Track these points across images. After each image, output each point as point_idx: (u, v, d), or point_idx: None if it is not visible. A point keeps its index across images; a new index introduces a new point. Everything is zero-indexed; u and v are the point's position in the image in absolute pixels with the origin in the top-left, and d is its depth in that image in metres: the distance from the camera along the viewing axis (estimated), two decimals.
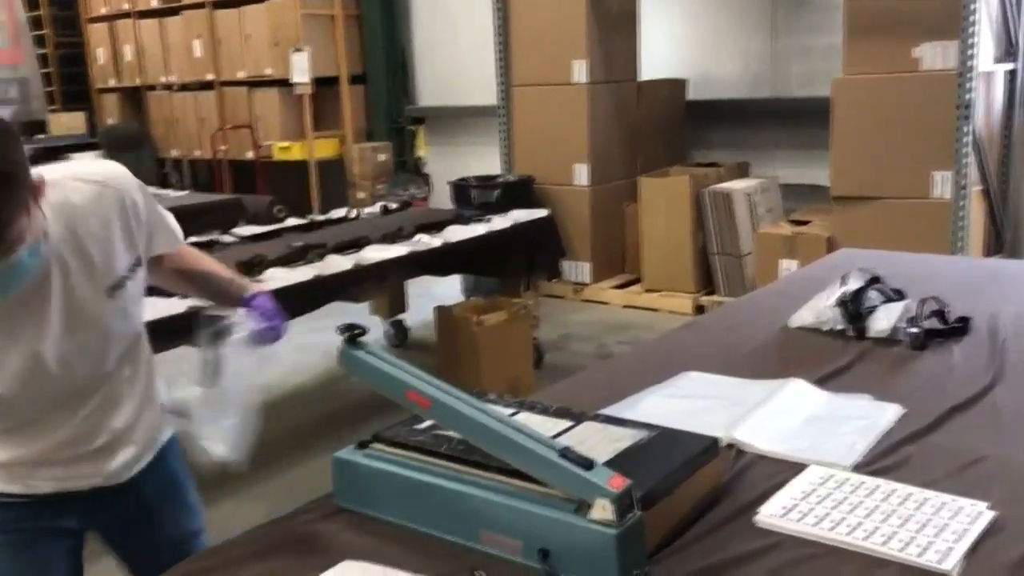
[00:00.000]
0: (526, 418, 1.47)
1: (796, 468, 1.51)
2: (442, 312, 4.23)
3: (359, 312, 5.21)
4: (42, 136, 8.67)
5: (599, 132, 5.85)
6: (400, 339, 5.13)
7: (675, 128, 6.31)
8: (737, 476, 1.49)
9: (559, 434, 1.44)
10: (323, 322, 4.17)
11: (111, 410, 1.52)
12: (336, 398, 4.36)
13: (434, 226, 4.17)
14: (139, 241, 1.49)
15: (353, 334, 1.42)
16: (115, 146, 7.52)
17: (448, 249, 4.00)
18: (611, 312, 5.71)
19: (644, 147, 6.09)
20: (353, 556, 1.31)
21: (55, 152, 6.91)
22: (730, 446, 1.56)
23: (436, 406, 1.34)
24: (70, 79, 9.35)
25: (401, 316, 5.14)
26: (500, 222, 4.34)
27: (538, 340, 4.54)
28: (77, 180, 1.41)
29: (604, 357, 4.75)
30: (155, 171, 8.12)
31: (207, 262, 1.76)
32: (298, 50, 7.06)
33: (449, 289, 5.41)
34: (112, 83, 8.96)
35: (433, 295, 5.11)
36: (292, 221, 4.54)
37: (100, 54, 8.99)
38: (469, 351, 3.95)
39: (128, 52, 8.65)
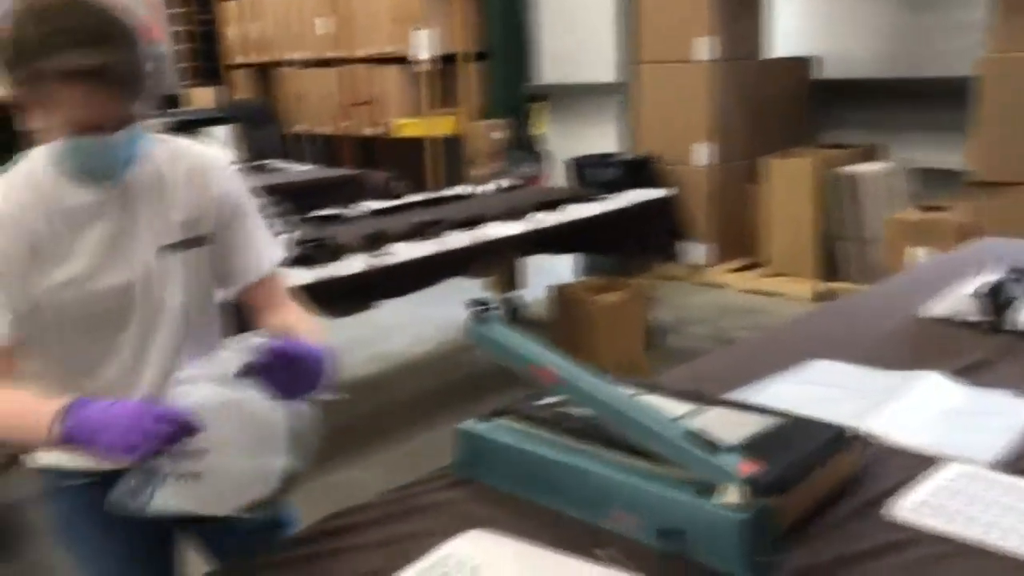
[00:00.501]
0: (650, 399, 1.46)
1: (930, 463, 1.46)
2: (557, 290, 4.23)
3: (474, 288, 5.29)
4: (175, 110, 9.06)
5: (722, 111, 5.72)
6: (512, 316, 5.16)
7: (801, 108, 6.11)
8: (868, 468, 1.45)
9: (684, 416, 1.42)
10: (440, 297, 4.27)
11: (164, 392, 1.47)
12: (453, 370, 4.43)
13: (552, 204, 4.17)
14: (212, 229, 1.49)
15: (482, 309, 1.44)
16: (243, 121, 7.79)
17: (565, 227, 4.00)
18: (729, 296, 5.60)
19: (768, 127, 5.93)
20: (478, 525, 1.34)
21: (188, 126, 7.22)
22: (861, 437, 1.51)
23: (563, 383, 1.35)
24: (203, 56, 9.74)
25: (515, 293, 5.18)
26: (618, 201, 4.31)
27: (654, 322, 4.50)
28: (190, 145, 1.50)
29: (721, 341, 4.67)
30: (280, 146, 8.38)
31: (299, 321, 1.53)
32: (420, 27, 7.15)
33: (563, 268, 5.41)
34: (241, 60, 9.28)
35: (547, 273, 5.12)
36: (411, 197, 4.61)
37: (231, 32, 9.32)
38: (584, 330, 3.95)
39: (256, 30, 8.93)
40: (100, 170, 1.34)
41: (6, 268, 1.32)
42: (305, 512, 1.54)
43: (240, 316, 1.60)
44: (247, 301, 1.57)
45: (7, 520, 3.22)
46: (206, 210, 1.47)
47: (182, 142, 1.51)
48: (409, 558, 1.26)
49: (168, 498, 1.21)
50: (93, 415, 1.18)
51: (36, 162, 1.38)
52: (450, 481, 1.49)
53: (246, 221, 1.53)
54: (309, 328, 1.49)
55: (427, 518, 1.38)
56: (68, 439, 1.19)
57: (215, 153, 1.53)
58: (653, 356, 4.27)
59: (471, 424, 1.50)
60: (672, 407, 1.44)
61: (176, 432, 1.18)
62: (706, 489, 1.21)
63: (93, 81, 1.23)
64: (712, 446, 1.21)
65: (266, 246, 1.57)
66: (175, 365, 1.42)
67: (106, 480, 1.36)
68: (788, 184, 5.45)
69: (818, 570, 1.22)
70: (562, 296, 4.19)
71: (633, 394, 1.37)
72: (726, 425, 1.39)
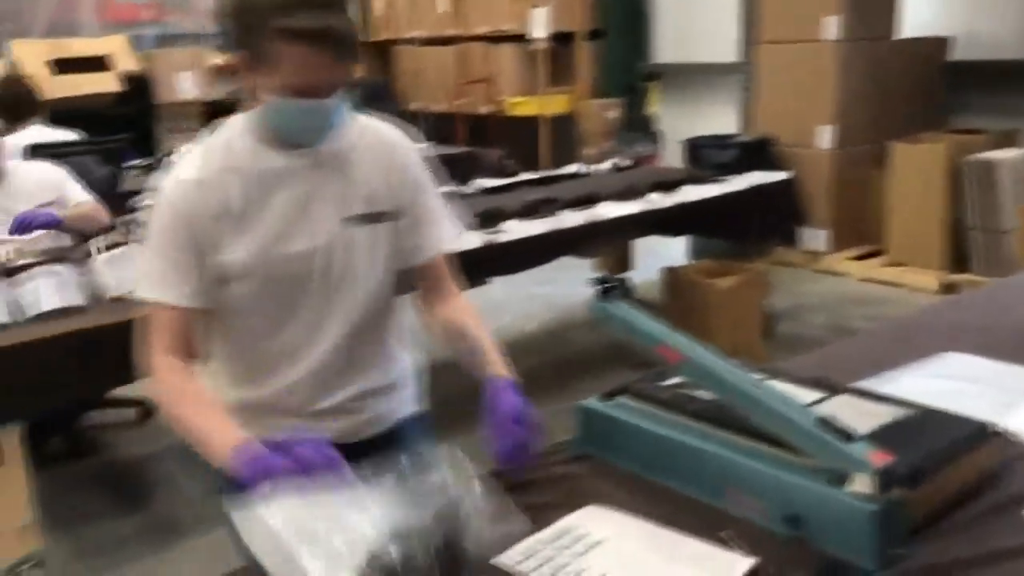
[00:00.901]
0: (777, 385, 1.43)
1: None
2: (671, 273, 4.19)
3: (584, 268, 5.28)
4: None
5: (848, 93, 5.53)
6: (626, 297, 5.13)
7: (932, 90, 5.85)
8: (1007, 467, 1.39)
9: (812, 404, 1.39)
10: (550, 275, 4.28)
11: (324, 372, 1.50)
12: (563, 349, 4.45)
13: (667, 185, 4.12)
14: (394, 206, 1.50)
15: (607, 286, 1.44)
16: (363, 99, 7.94)
17: (681, 209, 3.95)
18: (848, 284, 5.44)
19: (896, 110, 5.70)
20: (595, 501, 1.34)
21: None
22: (1000, 433, 1.45)
23: (689, 363, 1.34)
24: None
25: (626, 274, 5.14)
26: (737, 183, 4.22)
27: (769, 308, 4.40)
28: (375, 121, 1.55)
29: (839, 331, 4.54)
30: (397, 124, 8.50)
31: (469, 316, 1.55)
32: (537, 5, 7.13)
33: (675, 250, 5.35)
34: (361, 38, 9.46)
35: (658, 255, 5.07)
36: (525, 175, 4.63)
37: (350, 10, 9.50)
38: (698, 315, 3.90)
39: (378, 7, 9.08)
40: (308, 133, 1.38)
41: (198, 232, 1.37)
42: None
43: None
44: (418, 282, 1.57)
45: (140, 472, 3.41)
46: (389, 186, 1.49)
47: (366, 118, 1.54)
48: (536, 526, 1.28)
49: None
50: (262, 465, 1.19)
51: (234, 129, 1.44)
52: (567, 456, 1.50)
53: (427, 199, 1.55)
54: (483, 332, 1.50)
55: (544, 491, 1.40)
56: (237, 476, 1.21)
57: (398, 131, 1.57)
58: (768, 344, 4.19)
59: (592, 402, 1.51)
60: (799, 393, 1.42)
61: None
62: (836, 478, 1.19)
63: (318, 43, 1.27)
64: (844, 434, 1.19)
65: (444, 226, 1.58)
66: (351, 338, 1.48)
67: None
68: (916, 170, 5.23)
69: (949, 567, 1.18)
70: (675, 279, 4.14)
71: (760, 379, 1.34)
72: (856, 414, 1.36)
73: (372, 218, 1.47)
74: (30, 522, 2.42)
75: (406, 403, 1.64)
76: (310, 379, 1.49)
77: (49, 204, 3.45)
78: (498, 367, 1.43)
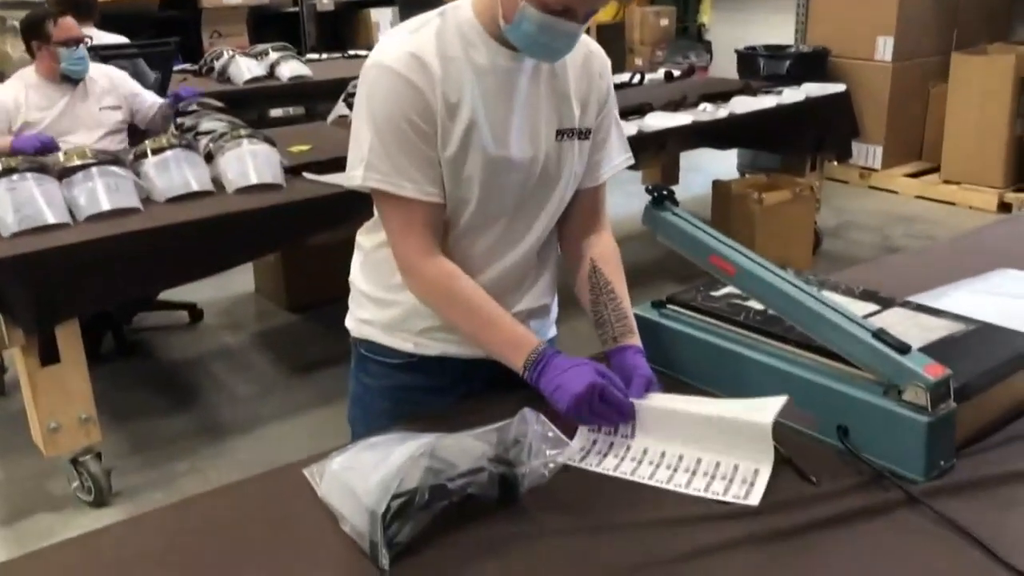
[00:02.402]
0: (831, 297, 1.41)
1: None
2: (719, 187, 4.13)
3: (630, 181, 5.22)
4: None
5: (908, 3, 5.31)
6: None
7: (1000, 1, 5.60)
8: None
9: (866, 316, 1.38)
10: None
11: (507, 280, 1.44)
12: None
13: (720, 96, 4.03)
14: (588, 123, 1.43)
15: (661, 194, 1.42)
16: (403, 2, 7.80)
17: (733, 120, 3.86)
18: (900, 202, 5.32)
19: (960, 21, 5.48)
20: None
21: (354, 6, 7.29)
22: None
23: (741, 273, 1.32)
24: None
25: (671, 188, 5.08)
26: (791, 95, 4.11)
27: (818, 225, 4.34)
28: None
29: (889, 250, 4.47)
30: None
31: (615, 267, 1.48)
32: None
33: (722, 165, 5.26)
34: None
35: (704, 170, 5.00)
36: None
37: None
38: (745, 230, 3.85)
39: None
40: (553, 53, 1.31)
41: (430, 116, 1.28)
42: None
43: None
44: (573, 206, 1.48)
45: (189, 373, 3.50)
46: (594, 101, 1.43)
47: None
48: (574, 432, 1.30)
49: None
50: (554, 375, 1.25)
51: (461, 16, 1.32)
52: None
53: (611, 119, 1.48)
54: (625, 289, 1.46)
55: None
56: (535, 386, 1.26)
57: (596, 44, 1.48)
58: (816, 261, 4.14)
59: (644, 309, 1.50)
60: (852, 306, 1.40)
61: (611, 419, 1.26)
62: (889, 389, 1.18)
63: None
64: (900, 346, 1.17)
65: (620, 149, 1.51)
66: (532, 256, 1.45)
67: (414, 366, 1.44)
68: (978, 83, 5.05)
69: (996, 481, 1.17)
70: (724, 193, 4.08)
71: (814, 290, 1.33)
72: (910, 327, 1.34)
73: (581, 134, 1.42)
74: (89, 416, 2.51)
75: (550, 327, 1.59)
76: (493, 289, 1.39)
77: (116, 107, 3.52)
78: (637, 336, 1.39)
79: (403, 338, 1.45)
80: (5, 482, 2.79)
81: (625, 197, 5.16)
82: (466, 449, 1.10)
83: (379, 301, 1.46)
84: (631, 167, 1.59)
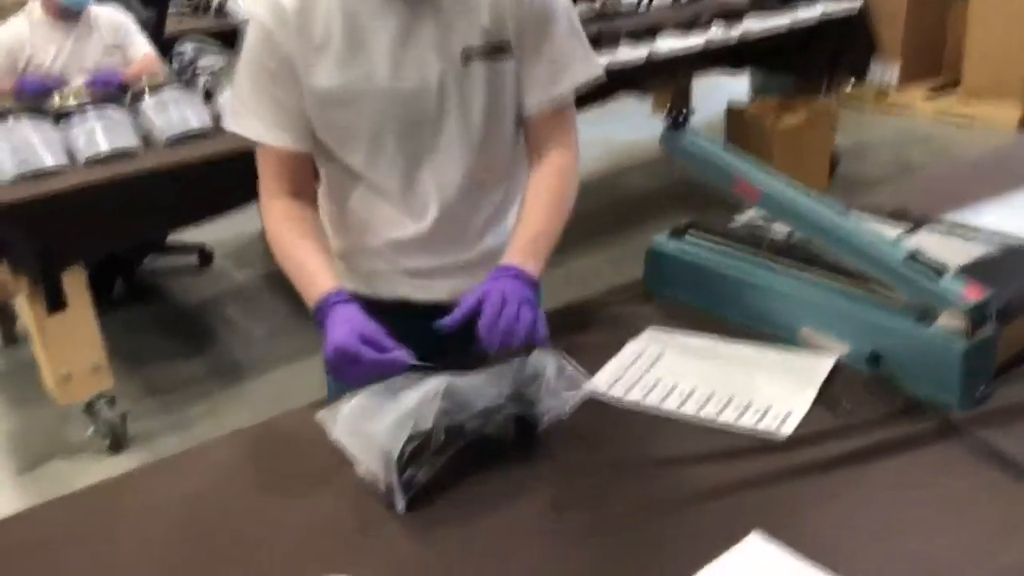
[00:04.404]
0: (860, 218, 1.35)
1: None
2: (733, 111, 4.02)
3: (641, 108, 5.11)
4: None
5: None
6: None
7: None
8: None
9: (898, 238, 1.32)
10: (607, 115, 4.14)
11: (453, 220, 1.31)
12: (620, 191, 4.36)
13: (732, 15, 3.89)
14: (504, 36, 1.24)
15: (679, 118, 1.35)
16: None
17: (746, 41, 3.73)
18: (917, 122, 5.19)
19: None
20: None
21: None
22: None
23: (768, 197, 1.26)
24: None
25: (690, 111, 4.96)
26: (806, 13, 3.96)
27: (835, 147, 4.23)
28: None
29: (908, 171, 4.37)
30: None
31: (541, 192, 1.28)
32: None
33: (736, 90, 5.12)
34: None
35: (716, 95, 4.87)
36: (582, 6, 4.40)
37: None
38: (761, 154, 3.72)
39: None
40: None
41: (296, 60, 1.21)
42: None
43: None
44: (526, 131, 1.32)
45: (202, 315, 3.48)
46: (511, 11, 1.24)
47: None
48: (598, 362, 1.25)
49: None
50: (329, 323, 1.13)
51: None
52: (634, 294, 1.46)
53: (553, 29, 1.26)
54: (539, 214, 1.25)
55: (607, 328, 1.36)
56: (317, 323, 1.16)
57: None
58: (833, 185, 4.05)
59: (661, 239, 1.45)
60: (882, 228, 1.34)
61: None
62: (925, 314, 1.13)
63: None
64: (935, 269, 1.12)
65: (571, 63, 1.28)
66: (469, 192, 1.29)
67: (379, 309, 1.26)
68: None
69: None
70: (738, 118, 3.98)
71: (842, 212, 1.27)
72: (944, 248, 1.28)
73: (492, 51, 1.24)
74: (100, 362, 2.49)
75: None
76: (431, 231, 1.30)
77: (115, 47, 3.43)
78: (518, 257, 1.19)
79: (356, 280, 1.37)
80: (22, 430, 2.79)
81: (633, 126, 5.05)
82: (481, 388, 1.06)
83: (333, 242, 1.39)
84: (644, 91, 1.48)
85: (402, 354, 1.09)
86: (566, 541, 0.95)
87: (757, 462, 1.05)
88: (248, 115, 1.26)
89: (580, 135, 1.34)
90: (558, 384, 1.07)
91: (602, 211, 4.12)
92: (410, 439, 0.98)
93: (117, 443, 2.58)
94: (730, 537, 0.92)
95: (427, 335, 1.11)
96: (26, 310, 2.41)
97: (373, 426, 1.00)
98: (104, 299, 3.49)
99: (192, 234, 3.58)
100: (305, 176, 1.31)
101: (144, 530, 1.03)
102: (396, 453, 0.97)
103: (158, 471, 1.18)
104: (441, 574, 0.92)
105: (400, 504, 0.98)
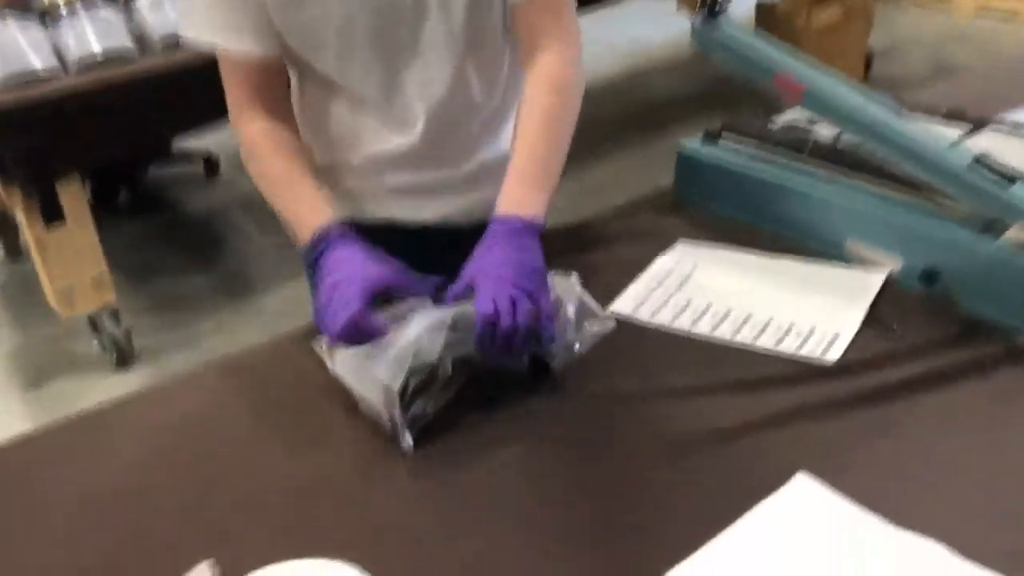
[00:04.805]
0: (913, 118, 1.21)
1: None
2: (763, 8, 3.80)
3: (663, 7, 4.87)
4: None
5: None
6: None
7: None
8: None
9: (958, 141, 1.18)
10: (622, 14, 3.93)
11: (441, 132, 1.15)
12: (643, 94, 4.18)
13: None
14: None
15: (714, 6, 1.20)
16: None
17: None
18: (957, 18, 4.93)
19: None
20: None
21: None
22: None
23: (813, 94, 1.12)
24: None
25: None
26: None
27: (870, 46, 4.01)
28: None
29: (947, 72, 4.15)
30: None
31: (531, 123, 1.07)
32: None
33: None
34: None
35: None
36: None
37: None
38: None
39: None
40: None
41: None
42: None
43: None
44: (518, 20, 1.12)
45: (210, 227, 3.38)
46: None
47: None
48: (623, 281, 1.14)
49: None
50: (323, 269, 0.98)
51: None
52: (664, 204, 1.34)
53: None
54: (536, 133, 1.06)
55: (636, 244, 1.25)
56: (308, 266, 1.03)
57: None
58: (869, 85, 3.84)
59: (692, 143, 1.32)
60: (940, 131, 1.20)
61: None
62: (990, 226, 1.01)
63: None
64: (1005, 176, 0.99)
65: None
66: (448, 89, 1.12)
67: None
68: None
69: None
70: (769, 14, 3.76)
71: (895, 112, 1.13)
72: (1009, 153, 1.14)
73: None
74: (102, 275, 2.40)
75: None
76: (417, 144, 1.16)
77: None
78: (514, 198, 1.01)
79: (336, 200, 1.21)
80: (27, 345, 2.73)
81: (657, 25, 4.82)
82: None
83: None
84: None
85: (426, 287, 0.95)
86: (584, 483, 0.85)
87: (799, 392, 0.94)
88: (199, 16, 1.08)
89: (600, 35, 1.19)
90: (576, 318, 0.96)
91: (622, 116, 3.94)
92: (414, 372, 0.88)
93: (123, 358, 2.51)
94: (768, 478, 0.82)
95: (415, 260, 0.99)
96: (23, 222, 2.31)
97: (374, 359, 0.90)
98: (107, 210, 3.41)
99: (198, 141, 3.47)
100: (279, 91, 1.14)
101: (127, 458, 0.94)
102: (398, 387, 0.87)
103: (138, 401, 1.06)
104: (451, 517, 0.83)
105: (406, 442, 0.88)
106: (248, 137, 1.12)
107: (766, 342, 1.01)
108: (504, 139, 1.19)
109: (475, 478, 0.87)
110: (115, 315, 2.49)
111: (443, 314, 0.91)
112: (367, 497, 0.86)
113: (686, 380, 0.97)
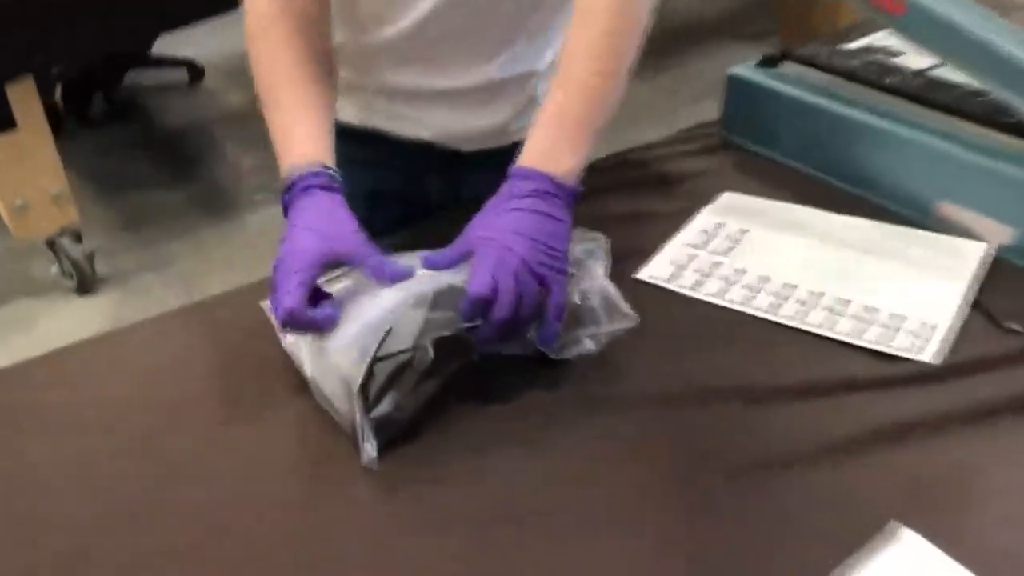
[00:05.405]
0: None
1: None
2: None
3: None
4: None
5: None
6: None
7: None
8: None
9: None
10: None
11: (448, 23, 0.92)
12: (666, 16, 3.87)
13: None
14: None
15: None
16: None
17: None
18: None
19: None
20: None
21: None
22: None
23: (914, 10, 0.88)
24: None
25: None
26: None
27: None
28: None
29: None
30: None
31: (580, 49, 0.81)
32: None
33: None
34: None
35: None
36: None
37: None
38: None
39: None
40: None
41: None
42: None
43: None
44: None
45: (189, 139, 3.13)
46: None
47: None
48: (654, 239, 0.92)
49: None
50: (287, 223, 0.79)
51: None
52: (710, 143, 1.10)
53: None
54: (576, 62, 0.81)
55: (675, 194, 1.02)
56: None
57: None
58: None
59: (746, 68, 1.08)
60: None
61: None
62: None
63: None
64: None
65: None
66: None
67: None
68: None
69: None
70: None
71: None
72: None
73: None
74: (61, 191, 2.17)
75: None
76: (414, 32, 0.92)
77: None
78: (545, 152, 0.77)
79: (355, 101, 1.00)
80: None
81: None
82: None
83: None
84: None
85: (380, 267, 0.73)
86: (611, 514, 0.65)
87: (886, 401, 0.73)
88: None
89: None
90: (596, 313, 0.76)
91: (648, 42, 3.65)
92: (380, 360, 0.66)
93: (84, 284, 2.29)
94: (849, 520, 0.62)
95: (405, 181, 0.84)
96: None
97: (332, 339, 0.68)
98: (79, 118, 3.15)
99: (182, 46, 3.19)
100: None
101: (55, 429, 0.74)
102: (359, 379, 0.65)
103: (66, 358, 0.85)
104: (426, 546, 0.63)
105: (368, 453, 0.67)
106: (255, 8, 0.87)
107: (843, 330, 0.79)
108: (531, 54, 0.96)
109: (456, 502, 0.66)
110: (77, 236, 2.26)
111: (424, 286, 0.69)
112: (318, 517, 0.65)
113: (735, 376, 0.76)
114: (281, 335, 0.75)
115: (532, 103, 0.98)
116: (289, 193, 0.80)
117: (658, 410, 0.73)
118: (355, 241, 0.74)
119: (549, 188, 0.73)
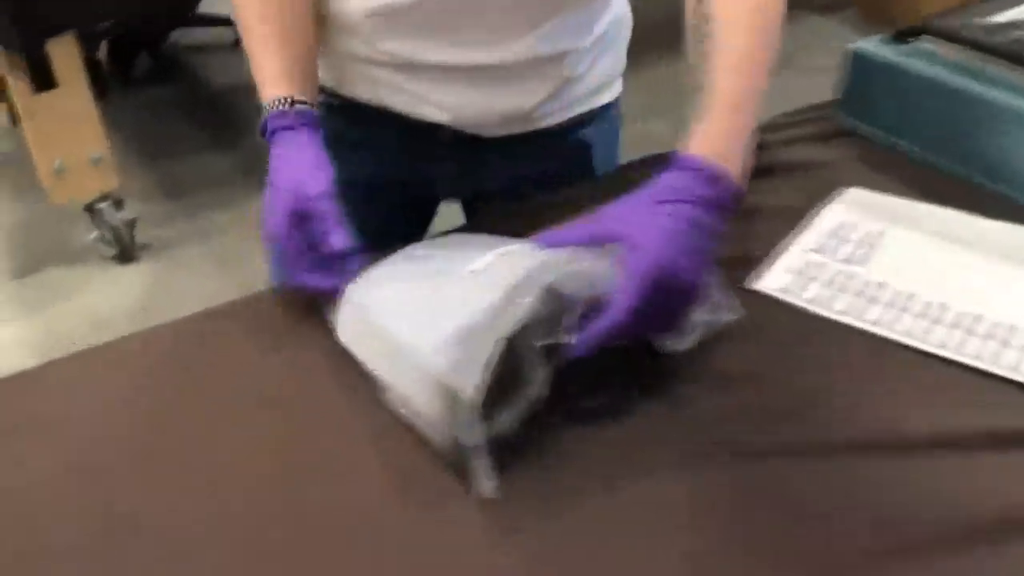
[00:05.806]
0: None
1: None
2: None
3: None
4: None
5: None
6: None
7: None
8: None
9: None
10: None
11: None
12: None
13: None
14: None
15: None
16: None
17: None
18: None
19: None
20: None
21: None
22: None
23: None
24: None
25: None
26: None
27: None
28: None
29: None
30: None
31: (741, 25, 0.71)
32: None
33: None
34: None
35: None
36: None
37: None
38: None
39: None
40: None
41: None
42: None
43: None
44: None
45: (236, 102, 3.04)
46: None
47: None
48: (767, 242, 0.80)
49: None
50: (274, 149, 0.78)
51: None
52: (825, 129, 0.97)
53: None
54: (742, 48, 0.70)
55: (789, 188, 0.89)
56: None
57: None
58: None
59: (872, 43, 0.94)
60: None
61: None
62: None
63: None
64: None
65: None
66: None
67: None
68: None
69: None
70: None
71: None
72: None
73: None
74: (102, 154, 2.08)
75: (606, 79, 0.93)
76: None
77: None
78: (704, 137, 0.65)
79: (324, 70, 0.90)
80: (19, 226, 2.43)
81: None
82: (598, 277, 0.60)
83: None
84: None
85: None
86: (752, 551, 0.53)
87: None
88: None
89: None
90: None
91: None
92: (491, 365, 0.53)
93: (125, 253, 2.21)
94: None
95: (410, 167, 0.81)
96: (12, 88, 1.98)
97: (409, 331, 0.56)
98: (124, 77, 3.07)
99: (228, 4, 3.08)
100: None
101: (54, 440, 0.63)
102: (471, 390, 0.52)
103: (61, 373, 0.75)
104: None
105: (486, 483, 0.55)
106: None
107: (1009, 363, 0.66)
108: (581, 32, 0.84)
109: (563, 530, 0.54)
110: (117, 203, 2.17)
111: (538, 270, 0.56)
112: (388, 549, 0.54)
113: (883, 420, 0.63)
114: (333, 328, 0.65)
115: (567, 85, 0.86)
116: (265, 136, 0.79)
117: (789, 446, 0.61)
118: (324, 195, 0.72)
119: (716, 183, 0.62)
